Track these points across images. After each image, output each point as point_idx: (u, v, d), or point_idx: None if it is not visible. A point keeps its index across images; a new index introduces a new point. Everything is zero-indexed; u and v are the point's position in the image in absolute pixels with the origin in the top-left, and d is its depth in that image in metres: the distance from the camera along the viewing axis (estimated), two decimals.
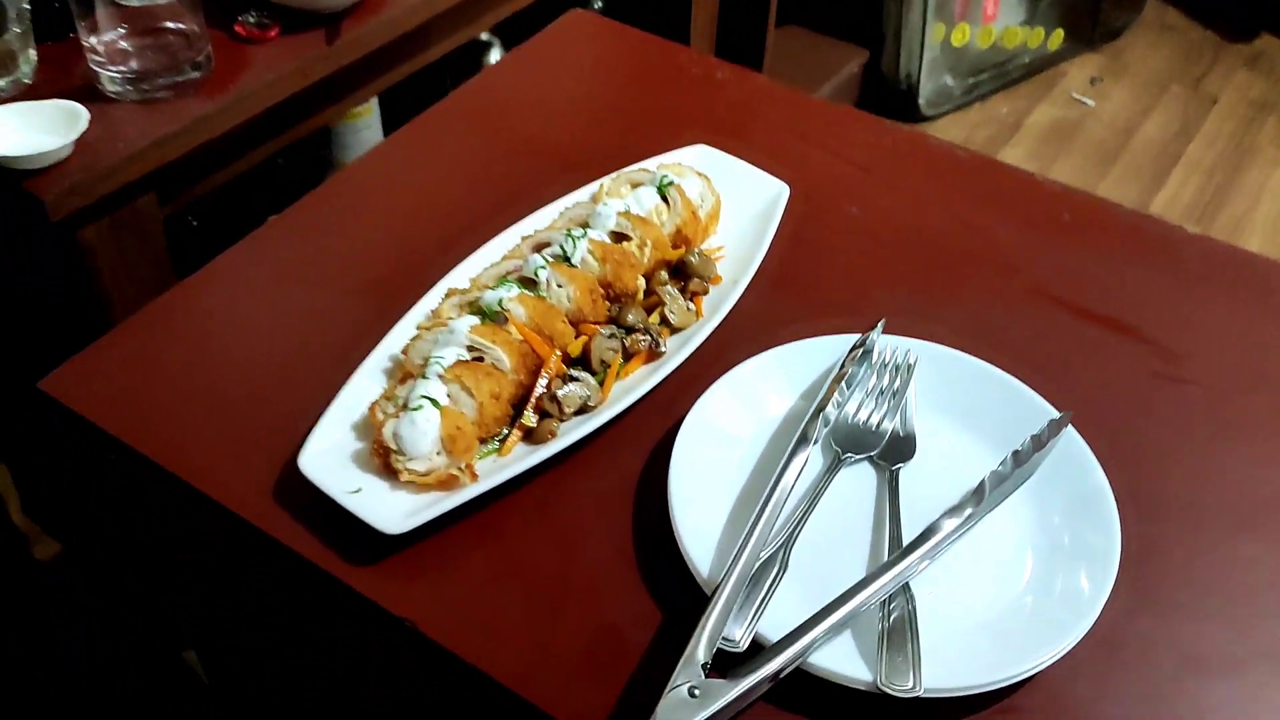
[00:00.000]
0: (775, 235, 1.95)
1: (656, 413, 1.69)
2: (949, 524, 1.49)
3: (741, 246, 1.96)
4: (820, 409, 1.61)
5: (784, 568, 1.45)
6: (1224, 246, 2.08)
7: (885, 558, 1.39)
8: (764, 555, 1.34)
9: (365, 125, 3.43)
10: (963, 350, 1.73)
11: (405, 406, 1.50)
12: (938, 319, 1.85)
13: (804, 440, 1.48)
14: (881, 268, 1.97)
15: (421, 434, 1.54)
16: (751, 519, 1.37)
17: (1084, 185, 4.88)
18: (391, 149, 2.27)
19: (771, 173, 2.06)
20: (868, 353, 1.69)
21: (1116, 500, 1.51)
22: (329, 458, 1.60)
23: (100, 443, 1.49)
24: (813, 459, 1.50)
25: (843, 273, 1.97)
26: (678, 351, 1.72)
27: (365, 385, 1.69)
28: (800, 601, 1.31)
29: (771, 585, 1.42)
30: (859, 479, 1.54)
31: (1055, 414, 1.64)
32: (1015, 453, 1.58)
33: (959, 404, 1.69)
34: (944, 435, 1.67)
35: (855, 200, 2.10)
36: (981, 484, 1.53)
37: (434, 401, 1.47)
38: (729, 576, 1.28)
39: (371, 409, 1.65)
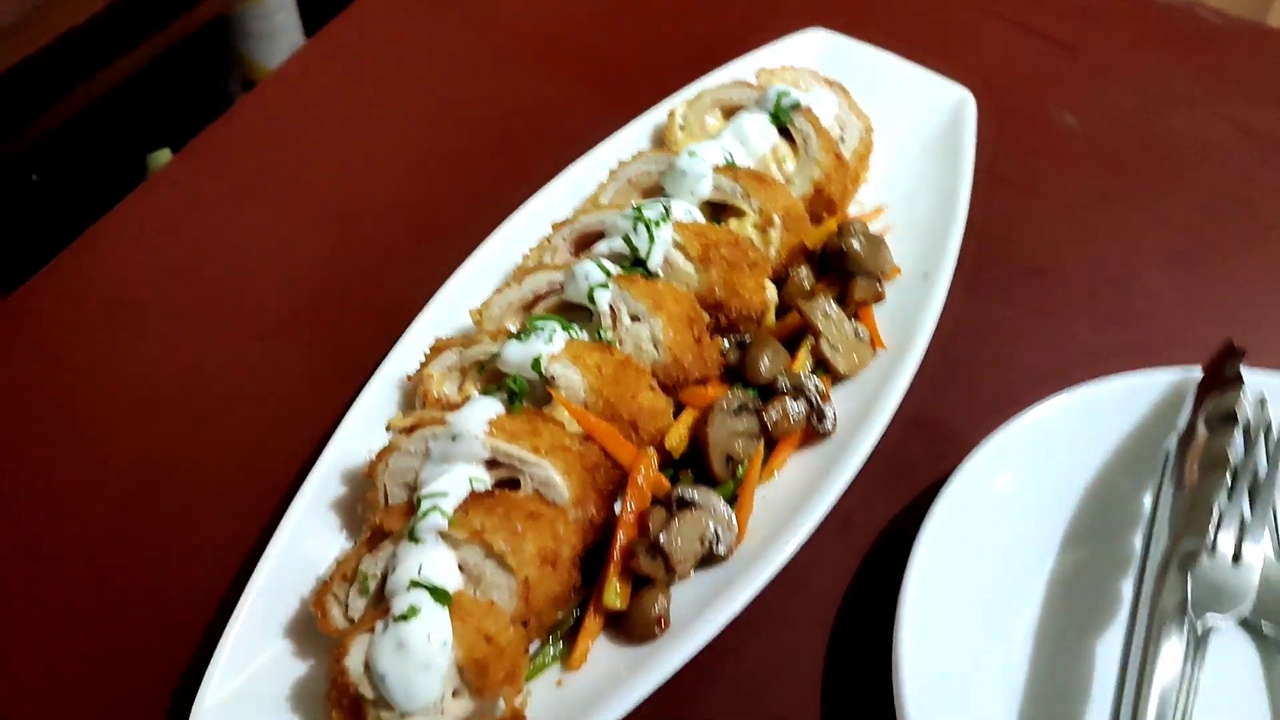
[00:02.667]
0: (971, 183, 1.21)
1: (847, 527, 1.05)
2: None
3: (917, 207, 1.18)
4: (1189, 561, 0.83)
5: None
6: None
7: None
8: None
9: (278, 5, 2.56)
10: None
11: (385, 608, 0.90)
12: (1268, 312, 1.19)
13: (1168, 621, 0.88)
14: (1148, 225, 1.28)
15: (420, 666, 0.84)
16: None
17: None
18: (320, 54, 1.51)
19: (939, 70, 1.24)
20: (1221, 417, 0.90)
21: None
22: (243, 709, 0.83)
23: None
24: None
25: (1087, 237, 1.27)
26: (862, 427, 0.95)
27: (304, 536, 0.98)
28: None
29: None
30: (1231, 659, 0.96)
31: None
32: None
33: None
34: None
35: (1069, 103, 1.36)
36: None
37: (438, 594, 0.90)
38: None
39: (320, 600, 0.86)
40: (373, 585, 0.92)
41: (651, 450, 0.99)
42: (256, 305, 1.23)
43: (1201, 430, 0.97)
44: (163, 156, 2.12)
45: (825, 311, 1.10)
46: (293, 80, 1.48)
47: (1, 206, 1.84)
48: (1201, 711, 0.89)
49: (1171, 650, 0.86)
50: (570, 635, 0.95)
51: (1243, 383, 0.98)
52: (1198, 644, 0.93)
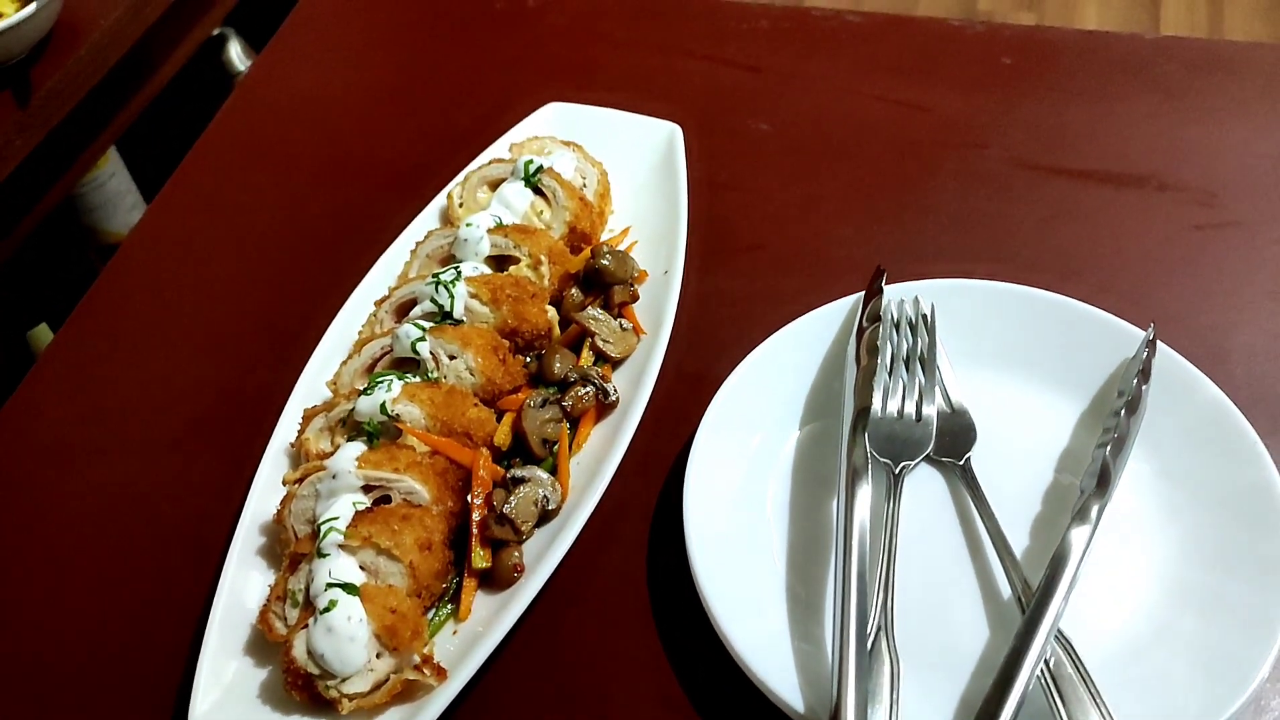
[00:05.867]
0: (687, 193, 1.49)
1: (644, 469, 1.33)
2: (1079, 534, 1.09)
3: (652, 222, 1.53)
4: (860, 420, 1.18)
5: (896, 660, 1.06)
6: (1199, 43, 1.71)
7: (1005, 592, 1.17)
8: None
9: (108, 175, 2.81)
10: (970, 275, 1.39)
11: (312, 608, 1.17)
12: (920, 239, 1.53)
13: (858, 472, 1.18)
14: (830, 194, 1.62)
15: (347, 640, 1.09)
16: (839, 613, 1.09)
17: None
18: (157, 221, 1.76)
19: (649, 113, 1.59)
20: (873, 318, 1.27)
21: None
22: (230, 712, 1.11)
23: None
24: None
25: (787, 214, 1.61)
26: (636, 392, 1.27)
27: (242, 581, 1.25)
28: (925, 691, 1.09)
29: (894, 689, 1.08)
30: (923, 490, 1.28)
31: (1124, 329, 1.32)
32: (1122, 400, 1.20)
33: (1002, 349, 1.36)
34: (1000, 398, 1.33)
35: (760, 113, 1.69)
36: (1103, 462, 1.13)
37: (348, 587, 1.16)
38: (843, 701, 1.02)
39: (264, 618, 1.16)
40: (300, 596, 1.19)
41: (484, 449, 1.30)
42: (160, 426, 1.48)
43: (865, 328, 1.33)
44: (44, 334, 2.36)
45: (595, 317, 1.43)
46: (146, 240, 1.71)
47: None
48: (904, 536, 1.18)
49: (863, 492, 1.13)
50: (455, 596, 1.22)
51: (882, 291, 1.34)
52: (895, 483, 1.27)
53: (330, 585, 1.15)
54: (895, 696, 1.07)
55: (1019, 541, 1.20)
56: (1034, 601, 1.08)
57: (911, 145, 1.65)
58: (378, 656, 1.14)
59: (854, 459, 1.19)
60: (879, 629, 1.11)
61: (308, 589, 1.18)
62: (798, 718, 1.07)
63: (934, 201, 1.57)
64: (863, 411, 1.23)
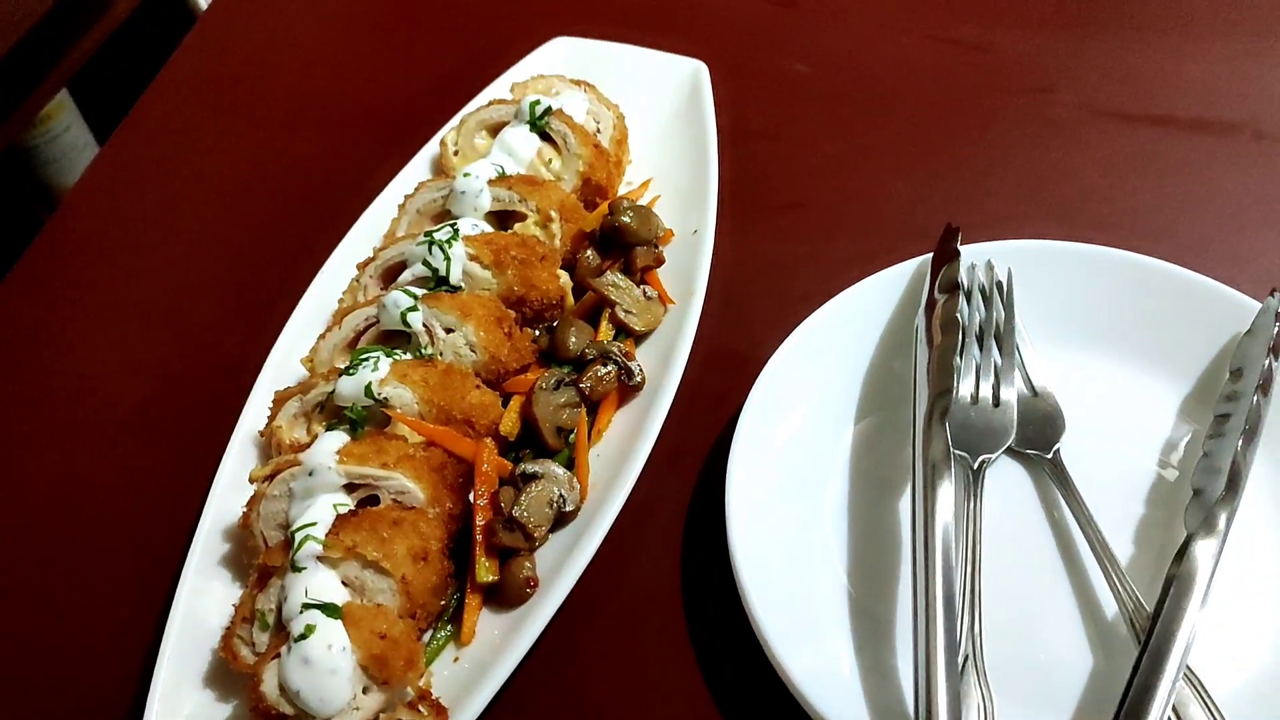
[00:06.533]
0: (716, 142, 1.35)
1: (675, 463, 1.16)
2: (1206, 549, 0.92)
3: (676, 174, 1.35)
4: (939, 407, 0.99)
5: (987, 693, 0.91)
6: None
7: (1109, 609, 1.00)
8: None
9: (62, 127, 2.60)
10: (1048, 236, 1.22)
11: (286, 634, 1.00)
12: (981, 196, 1.36)
13: (938, 469, 1.00)
14: (877, 145, 1.45)
15: (327, 673, 0.93)
16: (922, 637, 0.92)
17: None
18: (114, 161, 1.59)
19: (671, 50, 1.41)
20: (947, 286, 1.08)
21: None
22: None
23: None
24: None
25: (829, 167, 1.43)
26: (665, 371, 1.09)
27: (202, 597, 1.08)
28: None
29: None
30: (1005, 488, 1.10)
31: (1235, 299, 1.14)
32: (1242, 381, 1.03)
33: (1089, 323, 1.18)
34: (1088, 379, 1.16)
35: (796, 52, 1.52)
36: (1234, 460, 0.97)
37: (328, 609, 0.99)
38: None
39: (227, 644, 0.97)
40: (271, 618, 1.02)
41: (489, 440, 1.12)
42: (108, 407, 1.30)
43: (939, 301, 1.14)
44: None
45: (615, 283, 1.23)
46: (95, 192, 1.54)
47: None
48: (988, 534, 1.03)
49: (946, 490, 0.98)
50: (456, 616, 1.06)
51: (959, 255, 1.15)
52: (974, 479, 1.09)
53: (307, 606, 0.98)
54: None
55: (1121, 549, 1.06)
56: (1156, 628, 0.91)
57: (968, 90, 1.49)
58: (364, 692, 0.99)
59: (932, 453, 1.02)
60: (966, 656, 0.93)
61: (280, 610, 1.02)
62: None
63: (995, 154, 1.42)
64: (942, 396, 1.05)
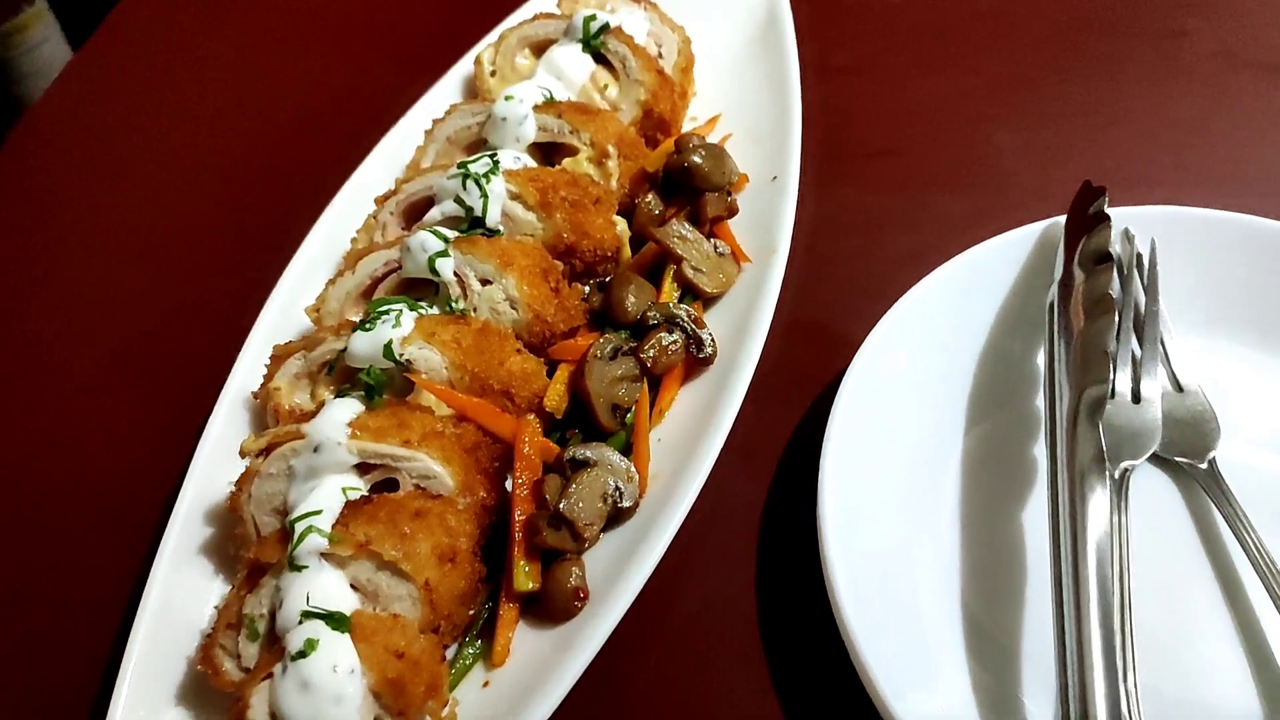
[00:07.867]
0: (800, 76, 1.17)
1: (749, 453, 0.99)
2: None
3: (750, 111, 1.18)
4: (1088, 401, 0.82)
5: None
6: None
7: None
8: None
9: (39, 39, 2.45)
10: (1185, 202, 1.03)
11: (280, 648, 0.82)
12: (1104, 151, 1.17)
13: (1087, 476, 0.84)
14: (982, 87, 1.27)
15: (331, 700, 0.80)
16: (1074, 679, 0.77)
17: None
18: (86, 73, 1.41)
19: None
20: (1095, 258, 0.89)
21: None
22: None
23: None
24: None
25: (926, 110, 1.25)
26: (742, 344, 0.92)
27: (177, 593, 0.90)
28: None
29: None
30: (1150, 500, 0.93)
31: None
32: None
33: (1244, 309, 1.00)
34: (1245, 374, 0.99)
35: None
36: None
37: (334, 619, 0.82)
38: None
39: (207, 655, 0.79)
40: (262, 627, 0.84)
41: (532, 417, 0.93)
42: (77, 355, 1.12)
43: (1079, 275, 0.95)
44: None
45: (681, 234, 1.04)
46: (67, 105, 1.36)
47: None
48: (1133, 552, 0.87)
49: (1098, 502, 0.83)
50: (487, 630, 0.88)
51: (1109, 220, 0.97)
52: (1118, 490, 0.92)
53: (308, 615, 0.81)
54: None
55: None
56: None
57: (1089, 27, 1.31)
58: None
59: (1080, 457, 0.83)
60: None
61: (273, 617, 0.86)
62: None
63: (1122, 105, 1.25)
64: (1092, 389, 0.86)
